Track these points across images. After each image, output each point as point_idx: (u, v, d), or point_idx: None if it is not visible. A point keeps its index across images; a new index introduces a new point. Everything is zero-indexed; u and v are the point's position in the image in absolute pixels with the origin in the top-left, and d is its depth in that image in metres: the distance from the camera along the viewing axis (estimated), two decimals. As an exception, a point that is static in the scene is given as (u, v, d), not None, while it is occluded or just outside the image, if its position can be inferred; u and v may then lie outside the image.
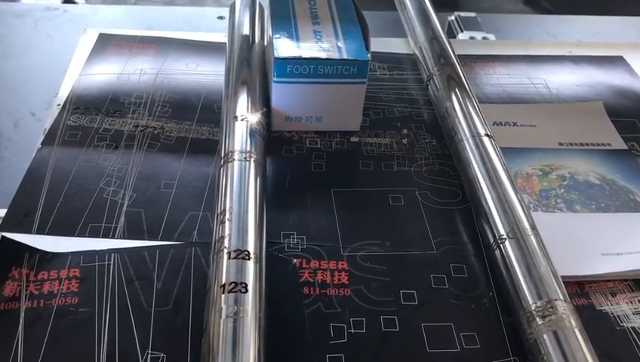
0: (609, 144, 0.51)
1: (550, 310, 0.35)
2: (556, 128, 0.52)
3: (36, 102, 0.52)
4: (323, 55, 0.46)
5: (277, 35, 0.48)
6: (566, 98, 0.57)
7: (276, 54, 0.46)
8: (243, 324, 0.31)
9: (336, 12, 0.52)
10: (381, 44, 0.62)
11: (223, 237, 0.36)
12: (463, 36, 0.67)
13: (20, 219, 0.41)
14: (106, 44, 0.58)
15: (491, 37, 0.67)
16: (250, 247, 0.36)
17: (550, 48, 0.64)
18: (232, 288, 0.33)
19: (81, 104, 0.51)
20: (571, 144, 0.51)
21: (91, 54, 0.57)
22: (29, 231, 0.40)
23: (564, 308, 0.35)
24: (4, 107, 0.52)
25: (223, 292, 0.33)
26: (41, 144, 0.47)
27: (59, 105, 0.50)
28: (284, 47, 0.47)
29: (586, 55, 0.63)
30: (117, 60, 0.56)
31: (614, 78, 0.60)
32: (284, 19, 0.50)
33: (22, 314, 0.36)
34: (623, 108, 0.56)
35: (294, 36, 0.48)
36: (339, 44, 0.48)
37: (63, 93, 0.52)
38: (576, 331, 0.34)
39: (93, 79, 0.54)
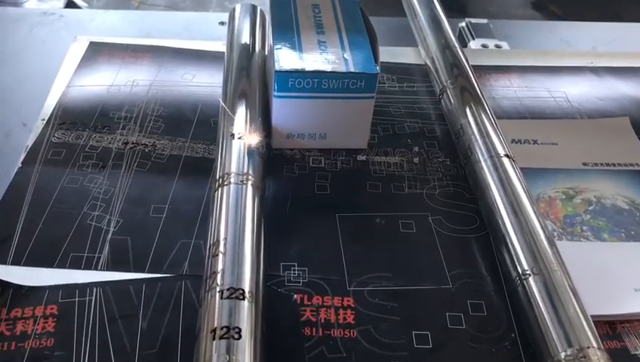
0: (637, 164, 0.47)
1: (582, 360, 0.31)
2: (580, 146, 0.48)
3: (28, 112, 0.49)
4: (328, 68, 0.42)
5: (278, 46, 0.44)
6: (589, 113, 0.53)
7: (277, 67, 0.42)
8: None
9: (342, 20, 0.48)
10: (389, 54, 0.58)
11: (215, 273, 0.32)
12: (474, 43, 0.63)
13: (-6, 247, 0.37)
14: (97, 53, 0.54)
15: (504, 44, 0.63)
16: (246, 285, 0.32)
17: (569, 59, 0.60)
18: (224, 333, 0.29)
19: (68, 118, 0.47)
20: (596, 164, 0.47)
21: (81, 64, 0.53)
22: (3, 262, 0.37)
23: (597, 357, 0.31)
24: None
25: (214, 339, 0.29)
26: (22, 163, 0.43)
27: (43, 119, 0.47)
28: (286, 58, 0.43)
29: (608, 66, 0.59)
30: (108, 70, 0.52)
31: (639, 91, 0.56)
32: (286, 28, 0.46)
33: (-10, 359, 0.32)
34: (651, 125, 0.52)
35: (297, 47, 0.44)
36: (345, 55, 0.44)
37: (49, 107, 0.48)
38: (613, 385, 0.30)
39: (82, 91, 0.50)
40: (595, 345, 0.31)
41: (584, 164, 0.47)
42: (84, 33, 0.59)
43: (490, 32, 0.66)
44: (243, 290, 0.31)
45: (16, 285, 0.35)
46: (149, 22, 0.63)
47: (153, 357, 0.33)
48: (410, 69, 0.57)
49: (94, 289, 0.36)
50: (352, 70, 0.42)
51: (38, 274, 0.36)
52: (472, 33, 0.65)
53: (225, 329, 0.29)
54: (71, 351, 0.33)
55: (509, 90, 0.55)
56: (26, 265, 0.37)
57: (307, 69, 0.42)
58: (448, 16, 0.57)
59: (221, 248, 0.33)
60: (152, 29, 0.61)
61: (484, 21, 0.67)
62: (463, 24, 0.67)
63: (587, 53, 0.62)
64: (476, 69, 0.55)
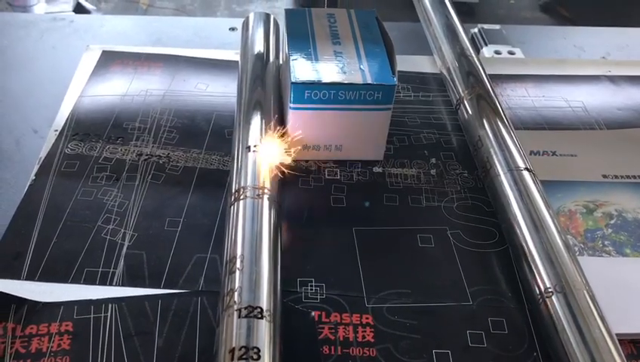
0: (658, 176, 0.47)
1: (608, 382, 0.30)
2: (600, 158, 0.48)
3: (38, 119, 0.49)
4: (344, 79, 0.42)
5: (294, 56, 0.43)
6: (608, 123, 0.52)
7: (293, 78, 0.41)
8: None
9: (358, 30, 0.47)
10: (405, 63, 0.57)
11: (232, 291, 0.32)
12: (487, 50, 0.63)
13: (8, 262, 0.37)
14: (110, 62, 0.54)
15: (517, 50, 0.63)
16: (264, 303, 0.31)
17: (586, 67, 0.59)
18: (243, 354, 0.29)
19: (81, 129, 0.47)
20: (617, 176, 0.46)
21: (93, 73, 0.53)
22: (17, 277, 0.36)
23: (624, 380, 0.30)
24: (6, 123, 0.48)
25: (232, 359, 0.29)
26: (35, 175, 0.43)
27: (56, 130, 0.46)
28: (302, 70, 0.42)
29: (626, 75, 0.58)
30: (121, 80, 0.52)
31: (659, 101, 0.55)
32: (301, 38, 0.46)
33: (5, 378, 0.31)
34: (671, 135, 0.51)
35: (313, 57, 0.44)
36: (362, 66, 0.43)
37: (62, 117, 0.48)
38: (641, 409, 0.29)
39: (95, 101, 0.50)
40: (621, 366, 0.31)
41: (604, 176, 0.46)
42: (95, 39, 0.58)
43: (503, 38, 0.65)
44: (261, 309, 0.31)
45: (31, 301, 0.35)
46: (158, 28, 0.63)
47: (170, 376, 0.32)
48: (426, 78, 0.56)
49: (109, 306, 0.35)
50: (369, 81, 0.42)
51: (52, 290, 0.36)
52: (485, 39, 0.64)
53: (243, 350, 0.29)
54: (86, 370, 0.32)
55: (526, 99, 0.54)
56: (40, 280, 0.36)
57: (323, 80, 0.42)
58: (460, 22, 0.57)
59: (238, 265, 0.33)
60: (162, 35, 0.61)
61: (497, 27, 0.67)
62: (476, 30, 0.66)
63: (604, 62, 0.61)
64: (492, 77, 0.55)
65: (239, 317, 0.31)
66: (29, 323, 0.34)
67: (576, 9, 2.13)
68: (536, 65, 0.59)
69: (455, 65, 0.52)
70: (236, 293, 0.32)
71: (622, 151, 0.48)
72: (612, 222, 0.43)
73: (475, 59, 0.52)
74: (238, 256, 0.33)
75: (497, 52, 0.63)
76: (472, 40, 0.65)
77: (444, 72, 0.53)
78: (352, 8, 0.50)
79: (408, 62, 0.57)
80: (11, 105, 0.50)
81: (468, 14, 2.08)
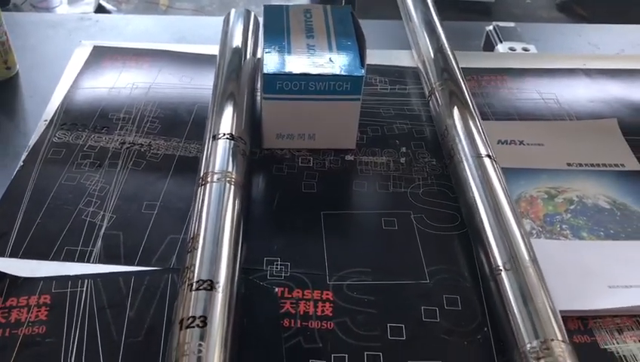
0: (622, 165, 0.48)
1: (546, 351, 0.32)
2: (565, 147, 0.49)
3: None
4: (314, 70, 0.44)
5: (268, 50, 0.46)
6: (578, 115, 0.54)
7: (265, 70, 0.44)
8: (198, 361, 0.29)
9: (332, 25, 0.49)
10: (384, 57, 0.59)
11: (188, 267, 0.34)
12: (502, 47, 0.64)
13: (-7, 241, 0.39)
14: (101, 56, 0.57)
15: (532, 47, 0.64)
16: (218, 276, 0.33)
17: (562, 61, 0.61)
18: (190, 323, 0.31)
19: (69, 119, 0.49)
20: (581, 164, 0.48)
21: (84, 67, 0.55)
22: (2, 254, 0.39)
23: (561, 349, 0.32)
24: (34, 118, 0.50)
25: (181, 329, 0.31)
26: (23, 161, 0.45)
27: (46, 120, 0.49)
28: (274, 62, 0.44)
29: (602, 68, 0.60)
30: (110, 73, 0.55)
31: (631, 93, 0.57)
32: (277, 32, 0.48)
33: (-15, 344, 0.34)
34: None
35: (286, 50, 0.46)
36: (332, 58, 0.45)
37: (52, 108, 0.50)
38: (574, 376, 0.31)
39: (84, 93, 0.52)
40: (559, 337, 0.32)
41: (568, 165, 0.48)
42: (119, 37, 0.61)
43: (517, 35, 0.66)
44: (211, 281, 0.33)
45: (13, 276, 0.37)
46: (181, 27, 0.65)
47: (138, 346, 0.34)
48: (404, 71, 0.58)
49: (86, 281, 0.38)
50: (338, 72, 0.44)
51: (33, 266, 0.38)
52: (500, 37, 0.66)
53: (191, 319, 0.31)
54: (61, 338, 0.34)
55: (501, 91, 0.56)
56: (23, 257, 0.39)
57: (294, 71, 0.44)
58: (475, 20, 0.58)
59: (198, 243, 0.35)
60: (185, 34, 0.63)
61: (512, 24, 0.68)
62: (491, 27, 0.68)
63: (581, 56, 0.62)
64: (469, 71, 0.57)
65: (190, 290, 0.33)
66: (10, 296, 0.36)
67: (593, 8, 2.13)
68: (513, 59, 0.61)
69: (430, 59, 0.54)
70: (193, 269, 0.34)
71: (587, 141, 0.50)
72: (572, 207, 0.44)
73: (450, 53, 0.53)
74: (200, 235, 0.35)
75: (512, 48, 0.64)
76: (487, 37, 0.67)
77: (420, 65, 0.55)
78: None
79: (387, 56, 0.59)
80: (40, 102, 0.52)
81: (484, 13, 2.09)
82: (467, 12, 2.05)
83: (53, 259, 0.39)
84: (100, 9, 1.77)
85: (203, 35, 0.63)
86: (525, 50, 0.64)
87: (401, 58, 0.60)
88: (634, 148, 0.50)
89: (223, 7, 2.11)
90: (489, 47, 0.66)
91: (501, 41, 0.65)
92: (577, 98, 0.56)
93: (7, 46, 0.53)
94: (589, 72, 0.59)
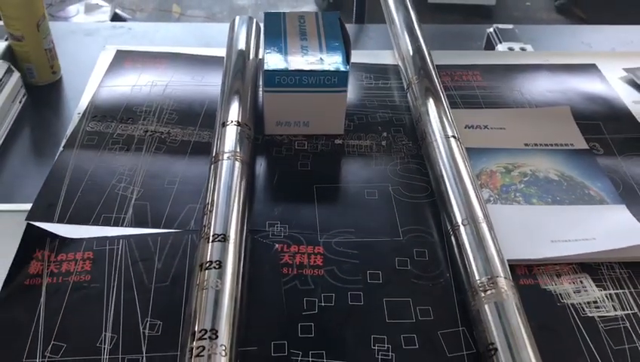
0: (572, 144, 0.56)
1: (491, 285, 0.40)
2: (524, 131, 0.58)
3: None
4: (307, 67, 0.52)
5: (268, 50, 0.54)
6: (537, 103, 0.62)
7: (266, 67, 0.52)
8: (216, 294, 0.38)
9: (322, 29, 0.58)
10: (371, 56, 0.68)
11: (205, 225, 0.42)
12: (501, 47, 0.72)
13: (43, 210, 0.48)
14: (123, 59, 0.65)
15: (529, 47, 0.72)
16: (229, 231, 0.42)
17: (529, 58, 0.69)
18: (208, 265, 0.39)
19: (99, 113, 0.58)
20: (536, 144, 0.56)
21: (109, 69, 0.64)
22: (51, 220, 0.47)
23: (503, 283, 0.40)
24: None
25: (201, 270, 0.39)
26: (63, 147, 0.54)
27: (79, 113, 0.57)
28: (273, 60, 0.53)
29: (562, 63, 0.68)
30: (131, 74, 0.63)
31: (586, 85, 0.65)
32: (275, 35, 0.56)
33: (43, 288, 0.42)
34: (591, 112, 0.61)
35: (283, 51, 0.54)
36: (322, 57, 0.54)
37: (83, 103, 0.59)
38: (513, 303, 0.39)
39: (110, 90, 0.61)
40: (502, 275, 0.41)
41: (526, 145, 0.56)
42: (151, 43, 0.70)
43: (515, 36, 0.74)
44: (224, 235, 0.41)
45: (62, 237, 0.46)
46: (207, 33, 0.73)
47: (165, 288, 0.43)
48: (387, 68, 0.66)
49: (121, 241, 0.46)
50: (327, 68, 0.52)
51: (77, 230, 0.47)
52: (500, 38, 0.74)
53: (209, 263, 0.39)
54: (103, 284, 0.43)
55: (472, 84, 0.64)
56: (68, 223, 0.47)
57: (290, 68, 0.52)
58: (477, 22, 0.67)
59: (213, 207, 0.43)
60: (210, 40, 0.72)
61: (510, 26, 0.76)
62: (491, 29, 0.76)
63: (544, 53, 0.71)
64: (444, 68, 0.65)
65: (208, 242, 0.41)
66: (60, 253, 0.45)
67: (592, 10, 2.19)
68: (486, 57, 0.69)
69: (409, 57, 0.62)
70: (209, 226, 0.42)
71: (543, 125, 0.58)
72: (525, 179, 0.53)
73: (426, 52, 0.62)
74: (213, 201, 0.44)
75: (510, 48, 0.72)
76: (488, 38, 0.75)
77: (400, 62, 0.63)
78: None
79: (374, 56, 0.68)
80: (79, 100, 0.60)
81: (485, 16, 2.16)
82: (470, 15, 2.13)
83: (93, 224, 0.47)
84: (115, 17, 1.86)
85: (225, 39, 0.71)
86: (523, 49, 0.72)
87: (386, 57, 0.68)
88: (584, 131, 0.58)
89: (233, 13, 2.20)
90: (490, 47, 0.74)
91: (501, 42, 0.73)
92: (538, 89, 0.64)
93: (53, 52, 0.62)
94: (550, 67, 0.68)
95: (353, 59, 0.63)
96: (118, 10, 1.93)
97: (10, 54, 0.61)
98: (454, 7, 2.14)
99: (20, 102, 0.60)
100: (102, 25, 0.74)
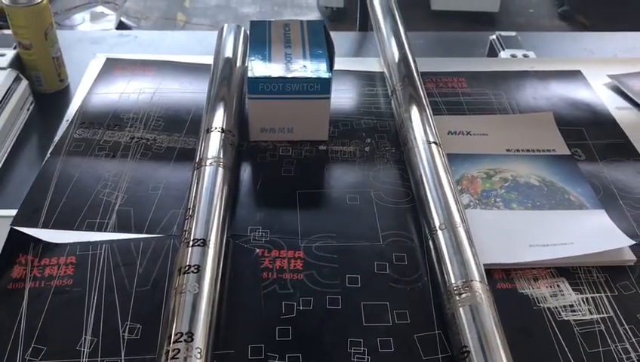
0: (554, 150, 0.57)
1: (467, 288, 0.40)
2: (506, 136, 0.58)
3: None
4: (290, 74, 0.53)
5: (252, 58, 0.55)
6: (521, 109, 0.62)
7: (250, 74, 0.53)
8: (194, 297, 0.38)
9: (307, 36, 0.59)
10: (358, 63, 0.69)
11: (186, 230, 0.43)
12: (504, 53, 0.73)
13: (29, 215, 0.48)
14: (112, 67, 0.66)
15: (531, 54, 0.73)
16: (209, 236, 0.42)
17: (515, 64, 0.70)
18: (186, 270, 0.40)
19: (86, 119, 0.58)
20: (518, 150, 0.57)
21: (98, 76, 0.65)
22: (36, 225, 0.48)
23: (478, 287, 0.41)
24: None
25: (179, 274, 0.40)
26: (50, 154, 0.54)
27: (67, 120, 0.58)
28: (257, 67, 0.54)
29: (547, 70, 0.69)
30: (120, 81, 0.64)
31: (570, 91, 0.65)
32: (260, 43, 0.57)
33: (26, 292, 0.43)
34: (574, 118, 0.61)
35: (267, 58, 0.55)
36: (305, 64, 0.54)
37: (72, 110, 0.60)
38: (487, 306, 0.39)
39: (99, 98, 0.62)
40: (478, 279, 0.41)
41: (507, 150, 0.57)
42: (157, 51, 0.71)
43: (518, 43, 0.75)
44: (204, 240, 0.42)
45: (46, 242, 0.46)
46: (213, 41, 0.74)
47: (146, 292, 0.43)
48: (374, 75, 0.67)
49: (103, 246, 0.47)
50: (309, 75, 0.53)
51: (61, 235, 0.47)
52: (502, 45, 0.75)
53: (187, 267, 0.40)
54: (85, 288, 0.43)
55: (456, 90, 0.65)
56: (52, 228, 0.48)
57: (273, 75, 0.53)
58: (479, 29, 0.67)
59: (194, 211, 0.44)
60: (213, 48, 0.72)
61: (513, 34, 0.77)
62: (494, 37, 0.77)
63: (529, 60, 0.71)
64: (429, 75, 0.66)
65: (187, 246, 0.42)
66: (43, 257, 0.45)
67: (594, 17, 2.20)
68: (470, 63, 0.70)
69: (394, 64, 0.63)
70: (189, 231, 0.43)
71: (526, 131, 0.59)
72: (506, 184, 0.53)
73: (411, 60, 0.62)
74: (196, 206, 0.45)
75: (513, 55, 0.73)
76: (491, 45, 0.76)
77: (385, 69, 0.64)
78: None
79: (360, 63, 0.69)
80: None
81: (489, 23, 2.17)
82: (473, 22, 2.14)
83: (77, 229, 0.48)
84: (120, 25, 1.88)
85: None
86: (525, 56, 0.72)
87: (372, 64, 0.69)
88: (566, 137, 0.59)
89: (238, 21, 2.21)
90: (493, 54, 0.75)
91: (503, 49, 0.74)
92: (523, 96, 0.65)
93: (60, 61, 0.63)
94: (537, 73, 0.68)
95: (340, 67, 0.64)
96: (123, 19, 1.95)
97: (18, 62, 0.63)
98: (457, 14, 2.15)
99: (28, 109, 0.61)
100: (108, 33, 0.75)
